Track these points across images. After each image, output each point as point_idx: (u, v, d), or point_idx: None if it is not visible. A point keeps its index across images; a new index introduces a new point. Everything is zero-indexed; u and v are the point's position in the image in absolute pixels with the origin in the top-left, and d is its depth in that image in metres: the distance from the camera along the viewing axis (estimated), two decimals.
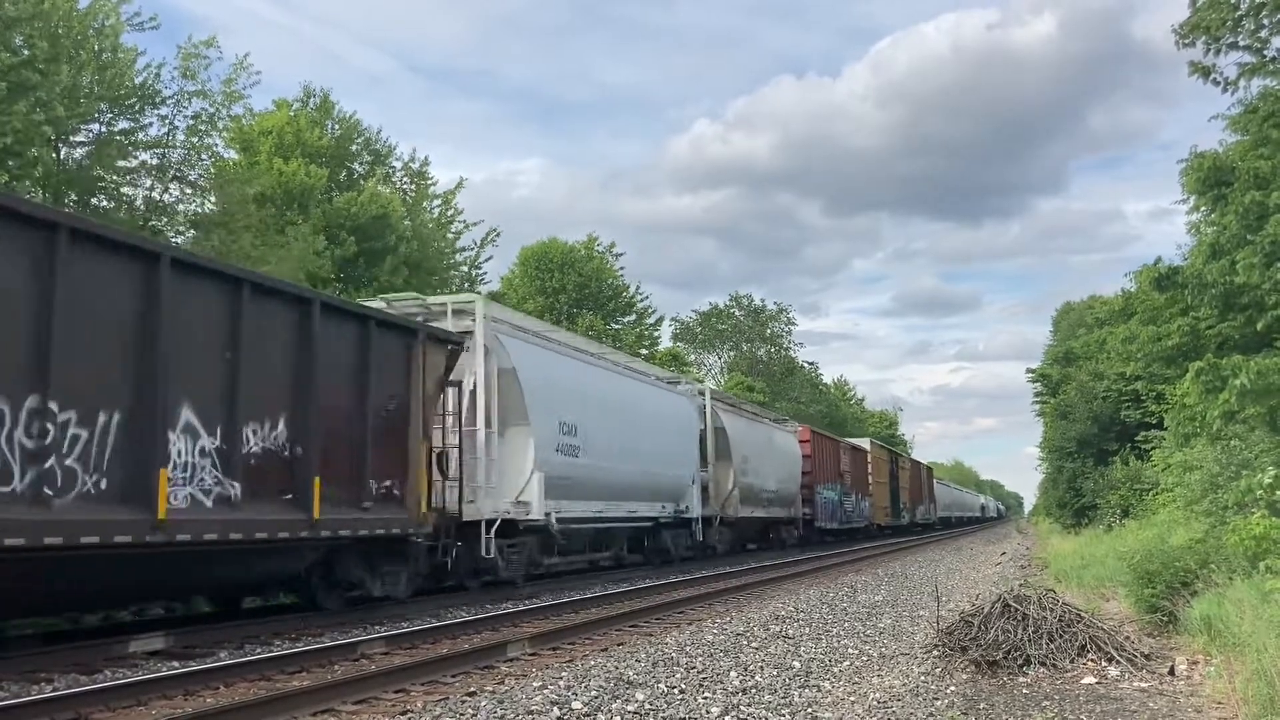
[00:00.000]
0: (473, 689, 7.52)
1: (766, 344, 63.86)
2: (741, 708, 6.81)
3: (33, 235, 7.77)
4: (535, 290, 42.86)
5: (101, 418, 8.21)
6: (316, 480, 10.47)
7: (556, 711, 6.66)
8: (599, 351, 21.02)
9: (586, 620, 11.57)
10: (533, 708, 6.74)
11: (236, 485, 9.53)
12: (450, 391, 13.79)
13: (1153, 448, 22.84)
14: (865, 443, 44.34)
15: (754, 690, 7.44)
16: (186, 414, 9.08)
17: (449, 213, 31.64)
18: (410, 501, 12.13)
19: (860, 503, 40.32)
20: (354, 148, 29.03)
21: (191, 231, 20.26)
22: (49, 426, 7.68)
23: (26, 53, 15.44)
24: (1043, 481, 55.74)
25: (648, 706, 6.81)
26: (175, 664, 8.57)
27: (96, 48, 17.70)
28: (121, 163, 18.90)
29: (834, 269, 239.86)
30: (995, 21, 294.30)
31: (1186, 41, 13.66)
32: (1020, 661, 7.95)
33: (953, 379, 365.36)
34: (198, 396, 9.22)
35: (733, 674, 8.12)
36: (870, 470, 42.61)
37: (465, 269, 32.11)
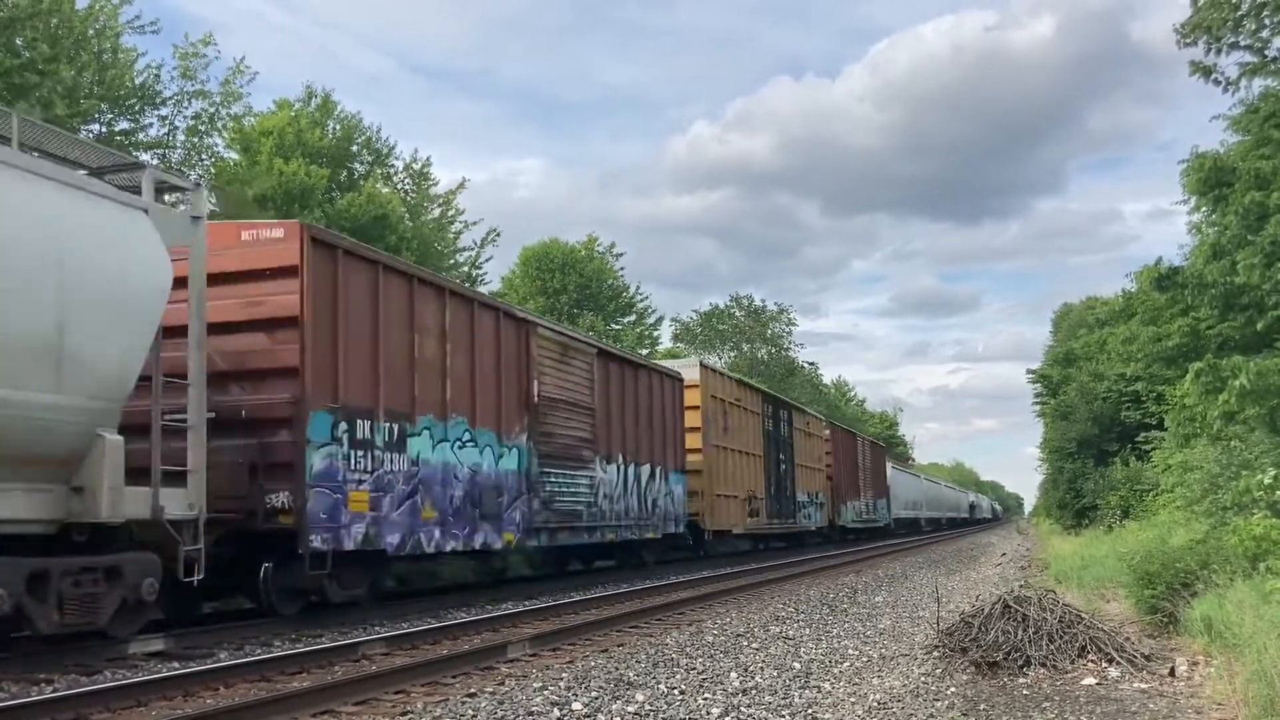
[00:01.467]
0: (473, 690, 7.52)
1: (767, 345, 63.82)
2: (742, 708, 6.81)
3: None
4: (536, 290, 42.86)
5: None
6: None
7: (557, 712, 6.65)
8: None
9: (586, 621, 11.56)
10: (533, 708, 6.74)
11: None
12: None
13: (1153, 448, 22.88)
14: (691, 369, 23.28)
15: (754, 691, 7.44)
16: None
17: (450, 213, 31.65)
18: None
19: (651, 487, 19.77)
20: (354, 148, 29.02)
21: None
22: None
23: (27, 54, 15.45)
24: (1043, 482, 55.69)
25: (648, 707, 6.81)
26: (175, 665, 8.56)
27: (96, 49, 17.72)
28: None
29: (833, 269, 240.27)
30: (993, 23, 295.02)
31: (1188, 41, 13.67)
32: (1020, 662, 7.94)
33: (952, 380, 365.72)
34: None
35: (733, 675, 8.12)
36: (707, 423, 22.93)
37: (466, 269, 32.12)
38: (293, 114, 26.29)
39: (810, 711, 6.78)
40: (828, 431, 36.39)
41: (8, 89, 14.83)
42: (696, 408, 22.61)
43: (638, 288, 47.57)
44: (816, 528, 33.56)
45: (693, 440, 22.34)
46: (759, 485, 26.78)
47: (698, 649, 9.52)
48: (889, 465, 50.29)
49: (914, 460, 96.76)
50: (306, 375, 10.83)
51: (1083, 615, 8.62)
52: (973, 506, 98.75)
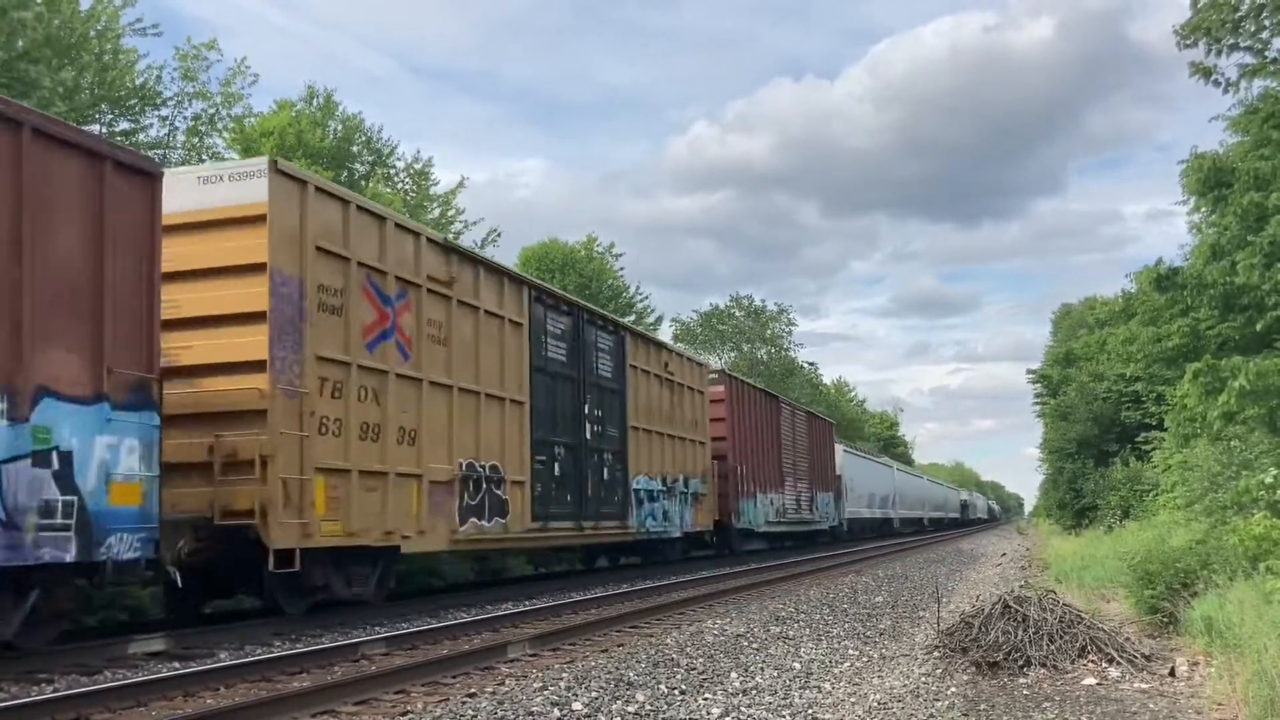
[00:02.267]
0: (473, 690, 7.52)
1: (767, 345, 63.83)
2: (742, 709, 6.81)
3: None
4: None
5: None
6: None
7: (557, 712, 6.66)
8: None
9: (586, 621, 11.57)
10: (533, 709, 6.74)
11: None
12: None
13: (1153, 449, 22.91)
14: (247, 182, 10.62)
15: (754, 691, 7.44)
16: None
17: (449, 213, 31.68)
18: None
19: None
20: (355, 148, 29.02)
21: None
22: None
23: (22, 47, 15.49)
24: (1043, 483, 55.65)
25: (648, 707, 6.81)
26: (175, 665, 8.57)
27: (97, 50, 17.75)
28: None
29: (832, 270, 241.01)
30: (993, 24, 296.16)
31: (1188, 42, 13.66)
32: (1021, 663, 7.95)
33: (952, 380, 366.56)
34: None
35: (733, 675, 8.12)
36: (293, 309, 10.74)
37: None
38: (294, 114, 26.31)
39: (810, 712, 6.79)
40: (721, 388, 24.47)
41: (11, 83, 14.86)
42: (255, 271, 10.55)
43: (637, 288, 47.60)
44: (683, 533, 21.56)
45: (231, 344, 10.55)
46: (513, 458, 14.70)
47: (698, 649, 9.52)
48: (840, 448, 39.13)
49: (914, 461, 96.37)
50: None
51: (1083, 615, 8.63)
52: (965, 505, 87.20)
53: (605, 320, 18.85)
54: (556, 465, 16.25)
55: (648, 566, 21.76)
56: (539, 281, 17.55)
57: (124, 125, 19.06)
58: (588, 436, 17.39)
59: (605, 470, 18.02)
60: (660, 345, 21.78)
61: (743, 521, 25.28)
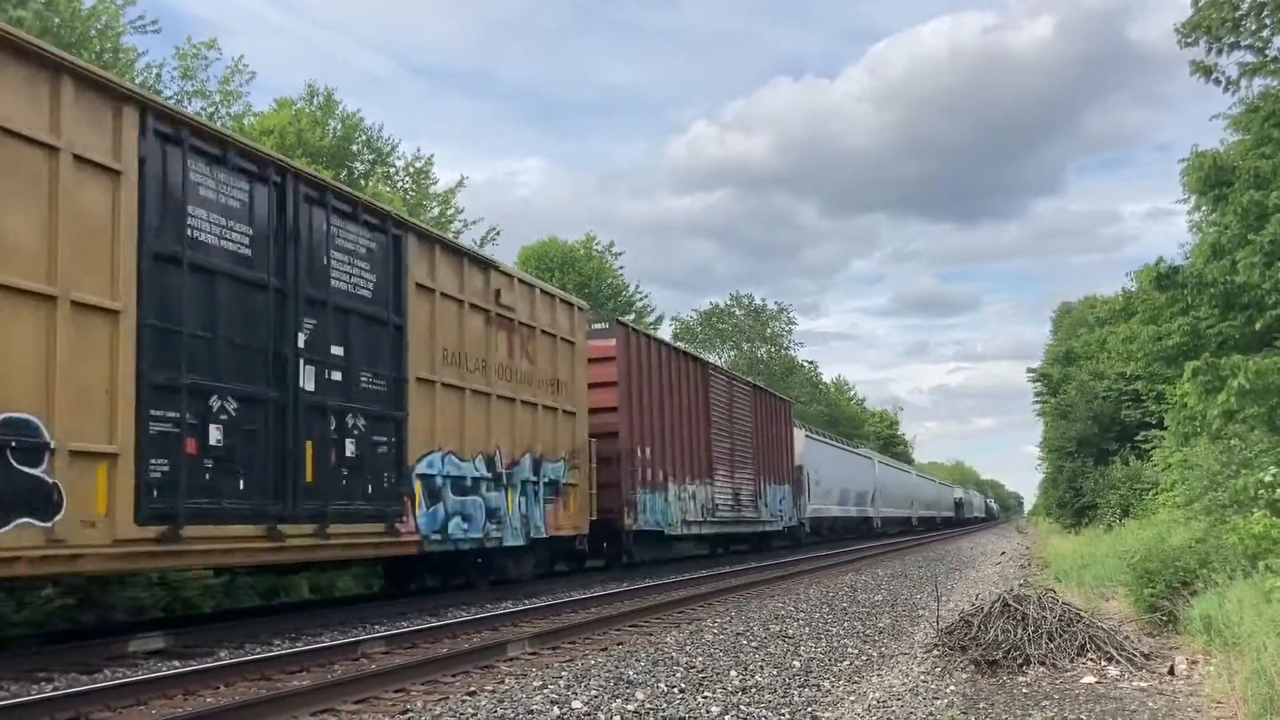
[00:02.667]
0: (473, 688, 7.52)
1: (767, 344, 63.83)
2: (741, 707, 6.82)
3: None
4: None
5: None
6: None
7: (556, 711, 6.66)
8: None
9: (586, 620, 11.57)
10: (533, 707, 6.74)
11: None
12: None
13: (1153, 447, 22.92)
14: None
15: (754, 689, 7.44)
16: None
17: (448, 212, 31.71)
18: None
19: None
20: (355, 147, 29.03)
21: None
22: None
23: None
24: (1043, 481, 55.60)
25: (648, 706, 6.81)
26: (175, 663, 8.57)
27: (98, 48, 17.77)
28: None
29: (832, 270, 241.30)
30: (992, 24, 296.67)
31: (1188, 41, 13.66)
32: (1020, 661, 7.96)
33: (952, 379, 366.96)
34: None
35: (732, 673, 8.12)
36: None
37: None
38: (294, 113, 26.33)
39: (810, 710, 6.79)
40: (612, 343, 18.53)
41: None
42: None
43: (637, 287, 47.60)
44: (531, 540, 15.06)
45: None
46: (85, 410, 8.18)
47: (697, 647, 9.52)
48: (801, 433, 32.37)
49: (914, 459, 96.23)
50: None
51: (1082, 614, 8.64)
52: (960, 504, 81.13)
53: (354, 203, 11.77)
54: (216, 429, 9.63)
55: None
56: (167, 104, 9.76)
57: None
58: (305, 386, 10.79)
59: (351, 443, 11.44)
60: (486, 264, 14.47)
61: (645, 521, 18.84)
